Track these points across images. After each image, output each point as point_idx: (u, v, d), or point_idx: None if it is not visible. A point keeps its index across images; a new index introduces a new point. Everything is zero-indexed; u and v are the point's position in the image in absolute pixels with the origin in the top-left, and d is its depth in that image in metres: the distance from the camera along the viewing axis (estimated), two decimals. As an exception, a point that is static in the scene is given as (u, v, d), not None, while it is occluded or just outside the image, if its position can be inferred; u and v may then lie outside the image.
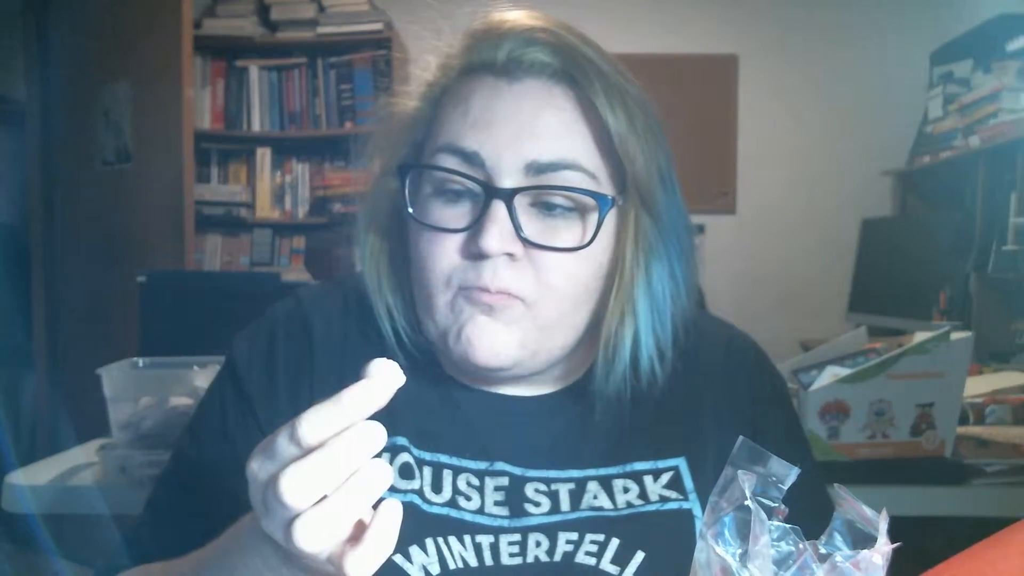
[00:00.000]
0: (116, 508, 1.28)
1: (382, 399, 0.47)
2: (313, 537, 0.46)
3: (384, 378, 0.47)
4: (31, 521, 1.36)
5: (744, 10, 3.83)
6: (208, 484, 0.71)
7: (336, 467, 0.45)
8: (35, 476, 1.43)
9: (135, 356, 1.59)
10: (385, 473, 0.47)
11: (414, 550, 0.66)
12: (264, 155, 3.69)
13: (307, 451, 0.46)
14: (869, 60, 3.74)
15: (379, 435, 0.46)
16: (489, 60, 0.69)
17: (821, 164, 3.83)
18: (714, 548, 0.42)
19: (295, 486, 0.45)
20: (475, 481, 0.71)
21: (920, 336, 1.41)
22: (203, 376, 1.42)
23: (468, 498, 0.70)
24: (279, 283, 2.40)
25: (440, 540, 0.67)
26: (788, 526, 0.43)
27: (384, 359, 0.48)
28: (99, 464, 1.42)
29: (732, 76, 3.88)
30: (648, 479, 0.72)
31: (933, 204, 3.51)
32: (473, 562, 0.67)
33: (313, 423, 0.46)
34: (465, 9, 0.73)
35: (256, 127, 3.68)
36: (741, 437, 0.45)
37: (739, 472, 0.43)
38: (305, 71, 3.67)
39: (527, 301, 0.67)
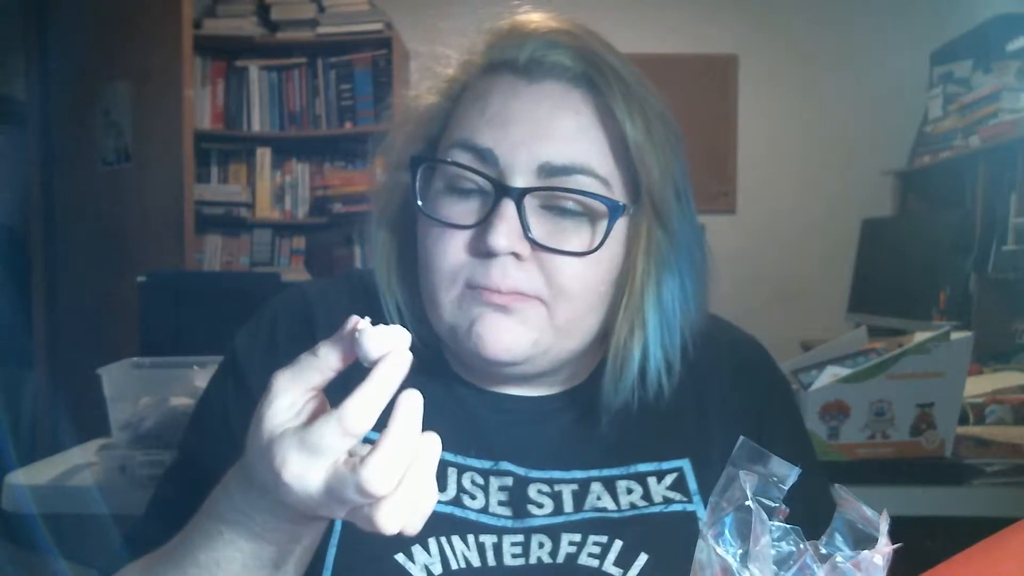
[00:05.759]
0: (116, 508, 1.28)
1: (407, 365, 0.47)
2: (400, 517, 0.47)
3: (399, 343, 0.47)
4: (31, 521, 1.36)
5: (744, 10, 3.83)
6: (210, 477, 0.71)
7: (406, 447, 0.46)
8: (35, 476, 1.43)
9: (135, 356, 1.59)
10: (435, 439, 0.48)
11: (417, 550, 0.66)
12: (264, 155, 3.68)
13: (356, 438, 0.46)
14: (869, 60, 3.73)
15: (420, 401, 0.47)
16: (511, 59, 0.69)
17: (821, 164, 3.83)
18: (715, 548, 0.42)
19: (380, 478, 0.45)
20: (480, 480, 0.71)
21: (920, 336, 1.41)
22: (203, 376, 1.42)
23: (473, 497, 0.70)
24: (279, 283, 2.40)
25: (443, 540, 0.67)
26: (789, 526, 0.43)
27: (366, 321, 0.49)
28: (99, 464, 1.42)
29: (732, 76, 3.88)
30: (652, 480, 0.71)
31: (933, 204, 3.51)
32: (476, 562, 0.67)
33: (359, 411, 0.46)
34: (464, 9, 0.72)
35: (256, 127, 3.67)
36: (742, 437, 0.45)
37: (740, 472, 0.43)
38: (305, 71, 3.67)
39: (545, 300, 0.67)
